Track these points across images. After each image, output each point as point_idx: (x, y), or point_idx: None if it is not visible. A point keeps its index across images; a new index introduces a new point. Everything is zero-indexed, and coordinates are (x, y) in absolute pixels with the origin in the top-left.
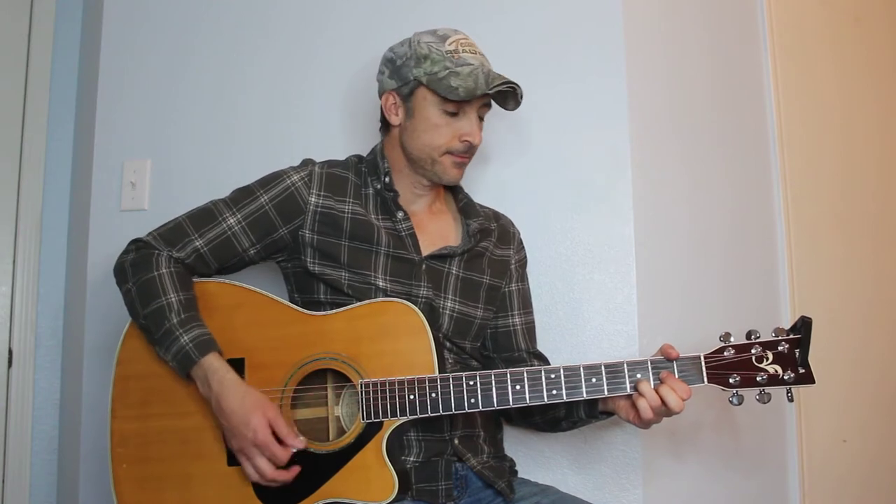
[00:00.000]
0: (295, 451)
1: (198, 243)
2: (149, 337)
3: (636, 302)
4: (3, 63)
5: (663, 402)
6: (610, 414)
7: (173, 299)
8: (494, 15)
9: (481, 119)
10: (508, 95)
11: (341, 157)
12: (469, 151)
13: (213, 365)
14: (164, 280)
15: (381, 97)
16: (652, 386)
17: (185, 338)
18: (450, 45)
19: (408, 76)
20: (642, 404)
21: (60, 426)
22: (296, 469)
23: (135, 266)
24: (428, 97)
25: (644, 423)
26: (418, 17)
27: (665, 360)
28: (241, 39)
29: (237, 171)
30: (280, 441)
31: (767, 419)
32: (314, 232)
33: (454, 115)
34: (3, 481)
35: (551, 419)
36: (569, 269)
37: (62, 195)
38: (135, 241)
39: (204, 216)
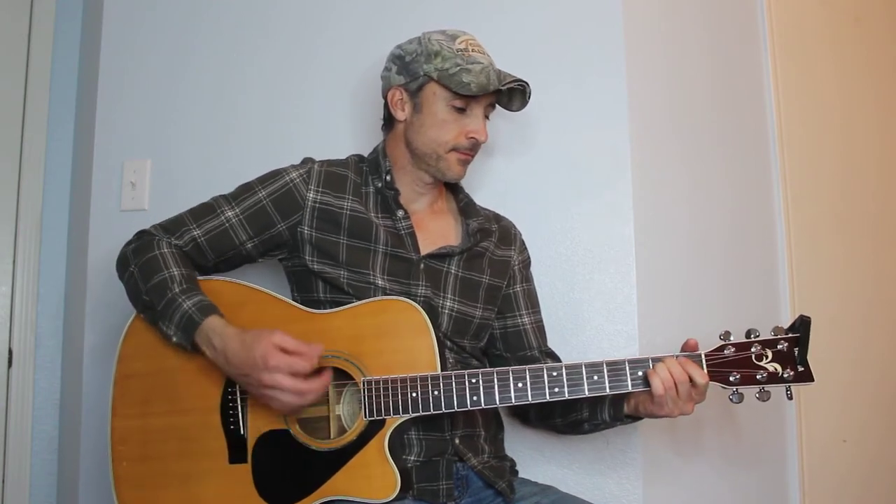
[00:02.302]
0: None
1: (196, 232)
2: (151, 315)
3: (636, 302)
4: (3, 63)
5: (687, 373)
6: (635, 418)
7: (175, 273)
8: (494, 15)
9: (486, 118)
10: (515, 95)
11: (341, 156)
12: (474, 149)
13: (214, 324)
14: (166, 258)
15: (385, 93)
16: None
17: (188, 303)
18: (460, 43)
19: (417, 72)
20: (655, 381)
21: (60, 426)
22: (328, 374)
23: (136, 252)
24: (437, 92)
25: (658, 402)
26: (418, 18)
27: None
28: (241, 39)
29: (237, 171)
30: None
31: (767, 419)
32: (312, 228)
33: (462, 111)
34: (3, 481)
35: (573, 421)
36: (569, 269)
37: (62, 195)
38: (138, 232)
39: (204, 210)
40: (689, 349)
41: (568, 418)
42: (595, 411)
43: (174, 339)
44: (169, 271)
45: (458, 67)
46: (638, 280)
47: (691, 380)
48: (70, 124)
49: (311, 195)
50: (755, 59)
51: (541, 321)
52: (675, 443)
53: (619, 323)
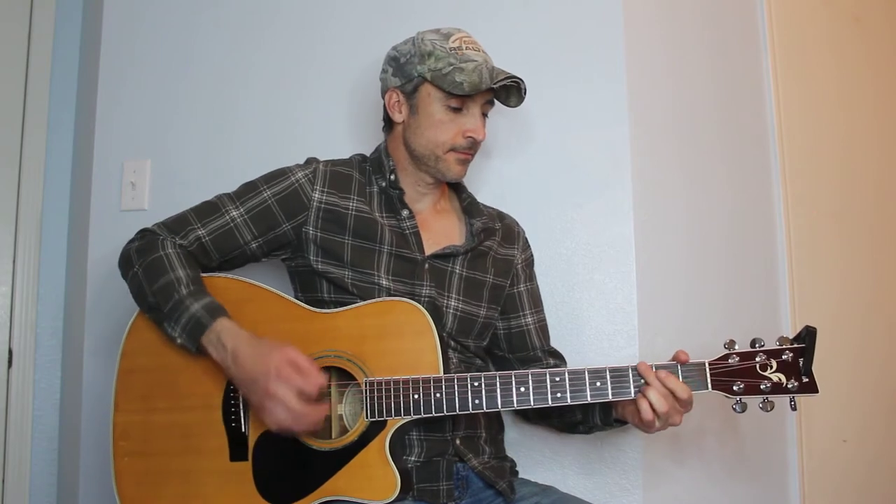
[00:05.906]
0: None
1: (200, 232)
2: (156, 315)
3: (636, 302)
4: (3, 63)
5: (669, 390)
6: (623, 422)
7: (181, 274)
8: (494, 15)
9: (485, 116)
10: (512, 91)
11: (342, 156)
12: (473, 148)
13: (226, 325)
14: (172, 259)
15: (384, 95)
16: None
17: (196, 305)
18: (453, 42)
19: (412, 73)
20: (643, 404)
21: (60, 426)
22: (326, 406)
23: (140, 251)
24: (432, 93)
25: (646, 423)
26: (419, 18)
27: (669, 365)
28: (241, 39)
29: (237, 172)
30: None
31: (767, 420)
32: (318, 229)
33: (458, 111)
34: (3, 481)
35: (569, 422)
36: (569, 269)
37: (62, 195)
38: (141, 231)
39: (208, 209)
40: (677, 361)
41: (564, 419)
42: (587, 415)
43: (178, 341)
44: (175, 273)
45: (452, 67)
46: (638, 280)
47: (673, 394)
48: (70, 124)
49: (317, 195)
50: (755, 59)
51: (544, 320)
52: (675, 445)
53: (619, 323)
